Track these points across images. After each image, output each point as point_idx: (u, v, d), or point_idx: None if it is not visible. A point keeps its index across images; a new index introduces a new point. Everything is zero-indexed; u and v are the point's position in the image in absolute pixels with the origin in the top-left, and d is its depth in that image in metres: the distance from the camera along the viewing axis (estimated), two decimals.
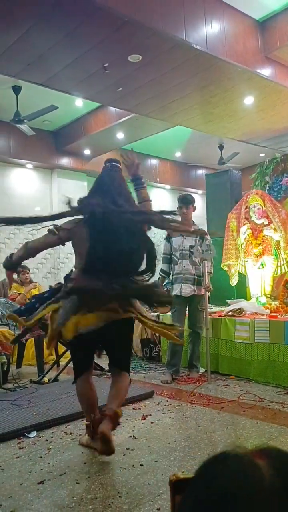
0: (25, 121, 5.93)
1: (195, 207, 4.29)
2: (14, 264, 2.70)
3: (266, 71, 5.13)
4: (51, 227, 2.54)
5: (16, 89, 5.91)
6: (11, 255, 2.68)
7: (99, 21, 3.87)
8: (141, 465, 2.37)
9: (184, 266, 4.15)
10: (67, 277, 2.62)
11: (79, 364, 2.68)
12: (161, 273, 4.32)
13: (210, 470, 0.43)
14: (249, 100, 5.66)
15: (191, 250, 4.15)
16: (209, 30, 4.49)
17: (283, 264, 5.02)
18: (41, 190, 8.19)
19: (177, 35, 4.20)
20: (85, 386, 2.63)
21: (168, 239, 4.32)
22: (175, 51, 4.40)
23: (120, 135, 7.20)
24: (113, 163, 2.78)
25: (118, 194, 2.54)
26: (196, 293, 4.16)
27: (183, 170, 9.83)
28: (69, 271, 2.78)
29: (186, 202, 4.22)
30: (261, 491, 0.38)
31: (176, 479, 0.75)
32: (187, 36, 4.28)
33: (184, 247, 4.18)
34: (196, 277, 4.16)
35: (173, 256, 4.26)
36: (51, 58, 4.44)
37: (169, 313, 4.39)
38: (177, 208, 4.24)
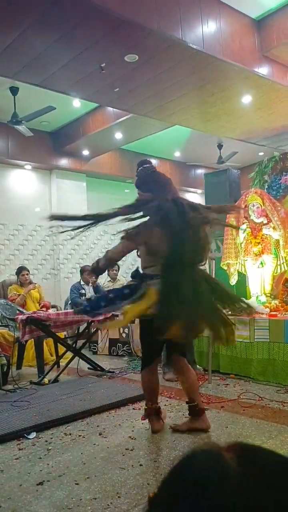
0: (23, 122, 5.93)
1: None
2: (101, 271, 2.96)
3: (263, 70, 5.12)
4: (124, 234, 2.74)
5: (14, 90, 5.91)
6: (98, 261, 2.92)
7: (96, 21, 3.86)
8: (141, 465, 2.36)
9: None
10: (142, 276, 2.74)
11: (148, 353, 2.89)
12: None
13: (179, 465, 0.46)
14: (246, 99, 5.65)
15: None
16: (206, 30, 4.48)
17: (283, 263, 5.00)
18: (40, 191, 8.18)
19: (173, 35, 4.20)
20: (151, 374, 2.87)
21: None
22: (171, 51, 4.39)
23: (118, 135, 7.19)
24: (147, 164, 2.94)
25: (174, 194, 2.77)
26: None
27: (182, 169, 9.83)
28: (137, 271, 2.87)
29: None
30: (227, 481, 0.40)
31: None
32: (184, 35, 4.28)
33: None
34: None
35: None
36: (48, 59, 4.44)
37: None
38: None
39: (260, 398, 3.45)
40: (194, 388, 2.85)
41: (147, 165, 2.85)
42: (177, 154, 9.26)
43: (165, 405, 3.42)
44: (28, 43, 4.16)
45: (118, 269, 7.08)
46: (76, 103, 6.44)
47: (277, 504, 0.39)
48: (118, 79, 4.90)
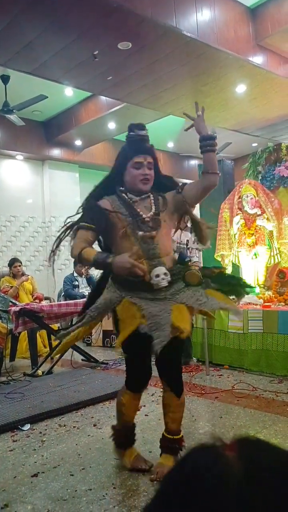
0: (14, 111, 5.84)
1: None
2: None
3: (258, 59, 5.08)
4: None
5: (5, 79, 5.81)
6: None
7: (88, 7, 3.79)
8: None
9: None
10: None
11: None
12: None
13: (180, 464, 0.45)
14: (241, 89, 5.61)
15: (187, 244, 4.13)
16: (200, 17, 4.42)
17: (276, 254, 5.01)
18: (32, 182, 8.10)
19: (167, 22, 4.13)
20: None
21: None
22: (165, 39, 4.33)
23: (111, 125, 7.12)
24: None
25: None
26: None
27: (175, 160, 9.77)
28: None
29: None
30: (227, 481, 0.39)
31: None
32: (178, 23, 4.21)
33: (181, 241, 4.17)
34: None
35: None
36: (39, 46, 4.35)
37: None
38: None
39: (254, 388, 3.47)
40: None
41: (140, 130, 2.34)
42: (170, 145, 9.21)
43: (159, 396, 3.42)
44: (19, 30, 4.07)
45: None
46: (69, 92, 6.35)
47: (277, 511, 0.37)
48: (111, 67, 4.83)
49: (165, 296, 2.08)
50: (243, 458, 0.41)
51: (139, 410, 2.99)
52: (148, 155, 2.20)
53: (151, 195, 2.20)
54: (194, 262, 4.10)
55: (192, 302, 2.07)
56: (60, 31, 4.12)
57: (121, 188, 2.22)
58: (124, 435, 2.28)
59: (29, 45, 4.33)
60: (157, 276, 2.05)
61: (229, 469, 0.40)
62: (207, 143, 2.22)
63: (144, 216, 2.12)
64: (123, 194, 2.19)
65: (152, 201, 2.18)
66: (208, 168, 2.18)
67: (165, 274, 2.07)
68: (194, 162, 9.95)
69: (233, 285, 2.29)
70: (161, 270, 2.07)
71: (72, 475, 2.18)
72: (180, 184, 2.30)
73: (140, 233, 2.08)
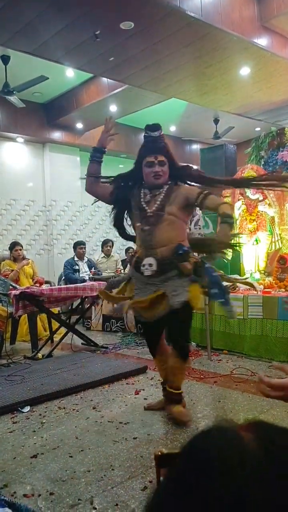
0: (14, 92, 5.74)
1: None
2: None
3: (262, 41, 4.97)
4: None
5: (5, 59, 5.69)
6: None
7: None
8: (134, 438, 2.39)
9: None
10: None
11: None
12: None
13: (194, 442, 0.43)
14: (245, 71, 5.51)
15: (189, 226, 4.10)
16: None
17: (277, 240, 4.99)
18: (32, 165, 8.02)
19: (171, 2, 4.03)
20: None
21: None
22: (168, 19, 4.23)
23: (113, 108, 7.02)
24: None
25: None
26: None
27: (177, 144, 9.66)
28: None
29: None
30: (241, 462, 0.38)
31: (161, 454, 0.83)
32: (181, 2, 4.11)
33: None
34: None
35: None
36: (40, 26, 4.26)
37: None
38: None
39: (253, 373, 3.49)
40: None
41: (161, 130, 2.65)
42: (172, 128, 9.09)
43: (159, 379, 3.44)
44: (19, 8, 3.98)
45: (112, 245, 7.05)
46: (70, 73, 6.25)
47: None
48: (112, 48, 4.74)
49: (154, 282, 2.47)
50: (261, 439, 0.41)
51: (137, 394, 3.02)
52: (159, 154, 2.54)
53: (165, 189, 2.55)
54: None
55: (168, 292, 2.42)
56: (61, 10, 4.02)
57: (143, 182, 2.62)
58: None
59: (29, 24, 4.23)
60: (143, 265, 2.46)
61: (248, 448, 0.39)
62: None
63: (148, 210, 2.49)
64: (139, 189, 2.60)
65: (163, 195, 2.53)
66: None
67: (149, 264, 2.43)
68: (196, 146, 9.85)
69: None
70: (148, 260, 2.45)
71: (71, 456, 2.20)
72: (200, 173, 2.74)
73: (138, 224, 2.53)
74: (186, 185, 2.64)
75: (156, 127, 2.59)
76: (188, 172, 2.65)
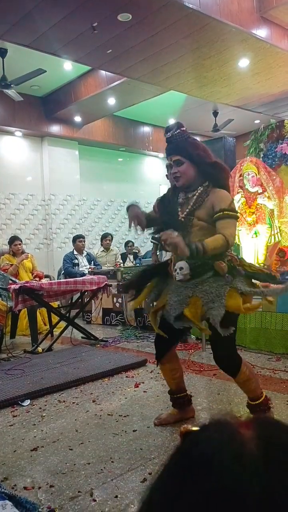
0: (12, 85, 5.71)
1: None
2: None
3: (261, 32, 4.93)
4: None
5: (2, 52, 5.66)
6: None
7: None
8: (134, 431, 2.40)
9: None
10: None
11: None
12: (153, 240, 4.31)
13: (191, 438, 0.43)
14: (243, 63, 5.47)
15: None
16: None
17: (277, 233, 4.98)
18: (31, 159, 7.99)
19: None
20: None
21: None
22: (166, 10, 4.19)
23: (111, 101, 6.98)
24: (183, 127, 2.45)
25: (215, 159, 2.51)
26: None
27: None
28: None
29: None
30: (238, 462, 0.37)
31: (186, 431, 0.79)
32: None
33: None
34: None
35: None
36: (37, 18, 4.22)
37: None
38: (169, 174, 4.17)
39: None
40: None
41: (184, 128, 2.43)
42: (171, 121, 9.04)
43: (158, 372, 3.46)
44: (16, 0, 3.94)
45: (112, 239, 7.05)
46: (68, 66, 6.21)
47: None
48: (110, 40, 4.70)
49: (188, 285, 2.26)
50: (261, 437, 0.39)
51: (137, 387, 3.03)
52: (173, 154, 2.35)
53: (198, 191, 2.31)
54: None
55: (205, 304, 2.21)
56: (58, 1, 3.99)
57: None
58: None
59: (26, 17, 4.20)
60: (175, 270, 2.26)
61: (245, 447, 0.38)
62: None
63: (180, 215, 2.31)
64: (176, 194, 2.40)
65: (194, 198, 2.31)
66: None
67: (180, 268, 2.23)
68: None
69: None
70: (178, 264, 2.25)
71: (71, 449, 2.21)
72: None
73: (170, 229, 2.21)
74: (221, 190, 2.31)
75: (168, 128, 2.42)
76: (218, 170, 2.35)
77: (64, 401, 2.92)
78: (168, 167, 3.51)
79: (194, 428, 0.79)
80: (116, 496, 1.77)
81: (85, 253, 6.62)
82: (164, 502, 0.38)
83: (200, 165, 2.31)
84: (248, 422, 0.42)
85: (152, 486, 0.41)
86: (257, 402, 2.35)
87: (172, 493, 0.38)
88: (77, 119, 7.73)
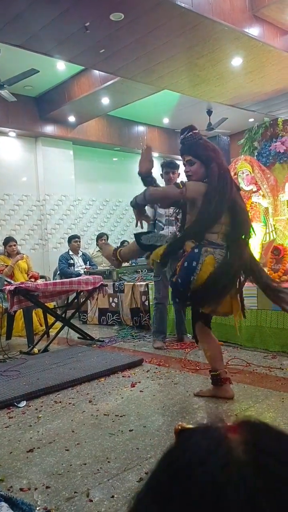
0: (5, 86, 5.69)
1: (179, 173, 4.23)
2: (138, 205, 2.85)
3: (254, 31, 4.94)
4: (180, 182, 2.68)
5: None
6: (136, 197, 2.81)
7: None
8: (130, 430, 2.40)
9: (170, 233, 4.12)
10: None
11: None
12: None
13: (177, 443, 0.43)
14: (237, 62, 5.48)
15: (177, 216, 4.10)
16: None
17: (272, 231, 5.00)
18: (25, 159, 7.97)
19: None
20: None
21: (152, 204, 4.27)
22: (159, 9, 4.19)
23: (105, 100, 6.97)
24: (196, 130, 2.73)
25: (225, 163, 2.81)
26: None
27: (171, 136, 9.62)
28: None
29: (173, 166, 4.18)
30: (224, 468, 0.36)
31: (181, 429, 0.79)
32: None
33: (170, 213, 4.13)
34: None
35: (157, 222, 4.21)
36: (29, 18, 4.21)
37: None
38: (163, 173, 4.18)
39: (248, 364, 3.51)
40: (217, 357, 2.82)
41: (196, 130, 2.68)
42: (165, 120, 9.06)
43: (154, 372, 3.46)
44: (8, 0, 3.93)
45: (107, 238, 7.04)
46: (61, 66, 6.19)
47: (277, 510, 0.34)
48: (103, 39, 4.69)
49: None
50: (247, 442, 0.39)
51: (133, 386, 3.03)
52: (185, 154, 2.63)
53: None
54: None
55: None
56: (50, 1, 3.98)
57: None
58: None
59: (18, 17, 4.18)
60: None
61: (232, 453, 0.38)
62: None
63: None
64: None
65: None
66: None
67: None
68: None
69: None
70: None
71: (67, 450, 2.21)
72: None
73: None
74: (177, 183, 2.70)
75: (182, 129, 2.68)
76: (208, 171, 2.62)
77: (60, 402, 2.91)
78: (163, 166, 3.77)
79: (189, 426, 0.79)
80: (113, 496, 1.77)
81: (80, 253, 6.61)
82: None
83: (208, 165, 2.57)
84: (236, 426, 0.42)
85: (137, 495, 0.40)
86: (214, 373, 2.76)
87: (156, 505, 0.37)
88: (71, 119, 7.72)
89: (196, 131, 2.66)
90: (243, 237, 2.60)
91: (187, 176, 2.66)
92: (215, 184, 2.53)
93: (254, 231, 2.72)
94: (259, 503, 0.34)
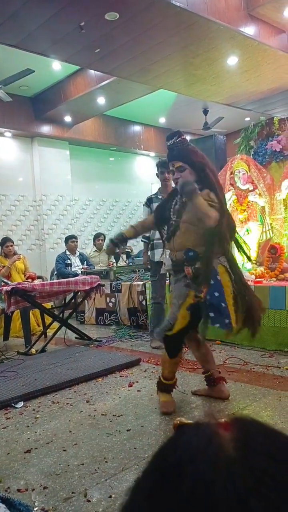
0: (0, 86, 5.68)
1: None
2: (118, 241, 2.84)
3: (249, 30, 4.94)
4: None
5: None
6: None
7: None
8: (128, 430, 2.40)
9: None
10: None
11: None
12: (142, 239, 4.29)
13: (167, 444, 0.42)
14: (232, 61, 5.48)
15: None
16: None
17: (268, 230, 5.00)
18: (22, 159, 7.95)
19: None
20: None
21: (148, 204, 4.27)
22: (154, 8, 4.19)
23: (101, 100, 6.95)
24: (183, 136, 2.64)
25: (212, 168, 2.76)
26: None
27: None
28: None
29: (168, 166, 4.16)
30: (213, 465, 0.36)
31: (180, 424, 0.81)
32: None
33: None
34: None
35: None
36: (24, 17, 4.19)
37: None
38: (159, 173, 4.18)
39: (245, 363, 3.51)
40: (207, 359, 2.87)
41: (184, 136, 2.62)
42: (162, 120, 9.05)
43: (152, 371, 3.46)
44: (2, 0, 3.92)
45: (104, 239, 7.03)
46: (56, 65, 6.18)
47: (265, 508, 0.34)
48: (98, 39, 4.68)
49: (174, 281, 2.66)
50: (238, 440, 0.38)
51: (131, 386, 3.03)
52: (174, 161, 2.56)
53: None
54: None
55: (173, 297, 2.63)
56: (45, 0, 3.97)
57: None
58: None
59: (13, 16, 4.17)
60: (164, 264, 2.75)
61: (222, 451, 0.37)
62: None
63: (172, 218, 2.61)
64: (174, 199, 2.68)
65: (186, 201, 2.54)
66: None
67: (164, 264, 2.72)
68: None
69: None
70: (166, 260, 2.70)
71: (65, 450, 2.21)
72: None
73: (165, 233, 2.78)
74: (206, 191, 2.46)
75: (170, 135, 2.60)
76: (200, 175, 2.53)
77: (57, 402, 2.91)
78: (159, 165, 3.75)
79: (188, 421, 0.78)
80: (110, 496, 1.77)
81: (77, 253, 6.60)
82: (136, 508, 0.38)
83: (200, 172, 2.51)
84: (227, 423, 0.41)
85: (130, 493, 0.40)
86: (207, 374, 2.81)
87: (147, 502, 0.37)
88: (67, 119, 7.70)
89: (184, 137, 2.60)
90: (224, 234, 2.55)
91: (176, 183, 2.57)
92: (221, 205, 2.48)
93: (234, 227, 2.68)
94: (248, 501, 0.34)
